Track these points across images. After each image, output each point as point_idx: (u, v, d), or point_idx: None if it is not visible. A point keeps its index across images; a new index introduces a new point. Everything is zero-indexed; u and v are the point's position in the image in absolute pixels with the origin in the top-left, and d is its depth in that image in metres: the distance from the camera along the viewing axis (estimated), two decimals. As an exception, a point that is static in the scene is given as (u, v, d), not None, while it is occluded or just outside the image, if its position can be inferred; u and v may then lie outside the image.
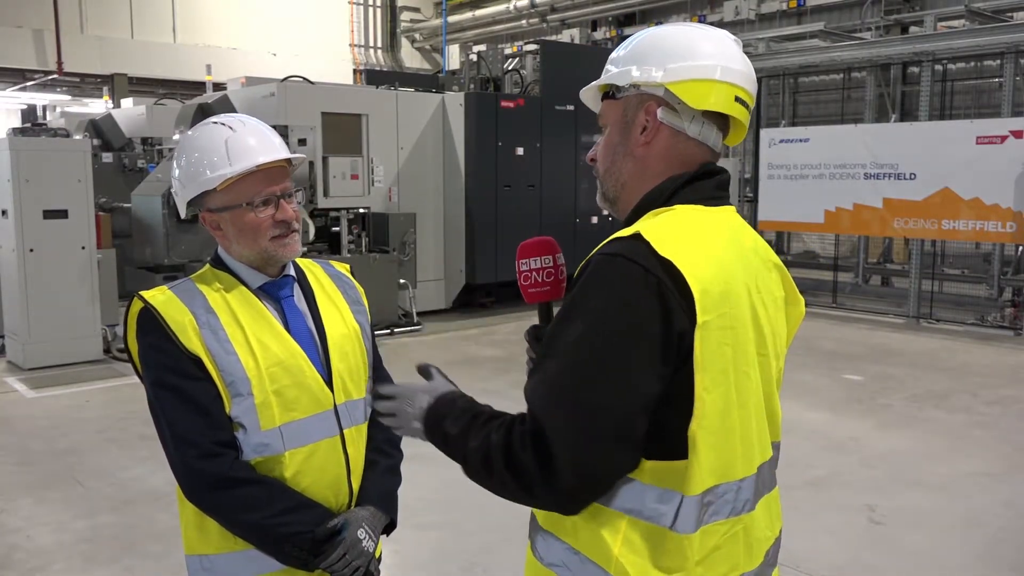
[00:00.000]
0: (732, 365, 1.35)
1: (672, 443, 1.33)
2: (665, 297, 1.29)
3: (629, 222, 1.44)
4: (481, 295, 10.76)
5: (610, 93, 1.50)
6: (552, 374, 1.33)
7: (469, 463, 1.40)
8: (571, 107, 10.59)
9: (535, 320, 1.66)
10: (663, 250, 1.30)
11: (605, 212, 1.58)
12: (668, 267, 1.29)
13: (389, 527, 1.91)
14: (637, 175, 1.48)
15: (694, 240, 1.36)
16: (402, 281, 9.49)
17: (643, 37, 1.49)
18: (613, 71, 1.49)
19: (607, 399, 1.29)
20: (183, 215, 1.87)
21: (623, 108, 1.48)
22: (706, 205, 1.44)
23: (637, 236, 1.33)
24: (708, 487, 1.35)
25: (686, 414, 1.32)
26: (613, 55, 1.52)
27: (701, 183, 1.45)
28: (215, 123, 1.83)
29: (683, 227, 1.37)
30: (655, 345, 1.29)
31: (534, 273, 1.60)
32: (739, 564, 1.42)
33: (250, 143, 1.78)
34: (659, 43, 1.45)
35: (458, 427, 1.43)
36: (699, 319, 1.30)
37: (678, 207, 1.42)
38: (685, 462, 1.33)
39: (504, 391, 6.71)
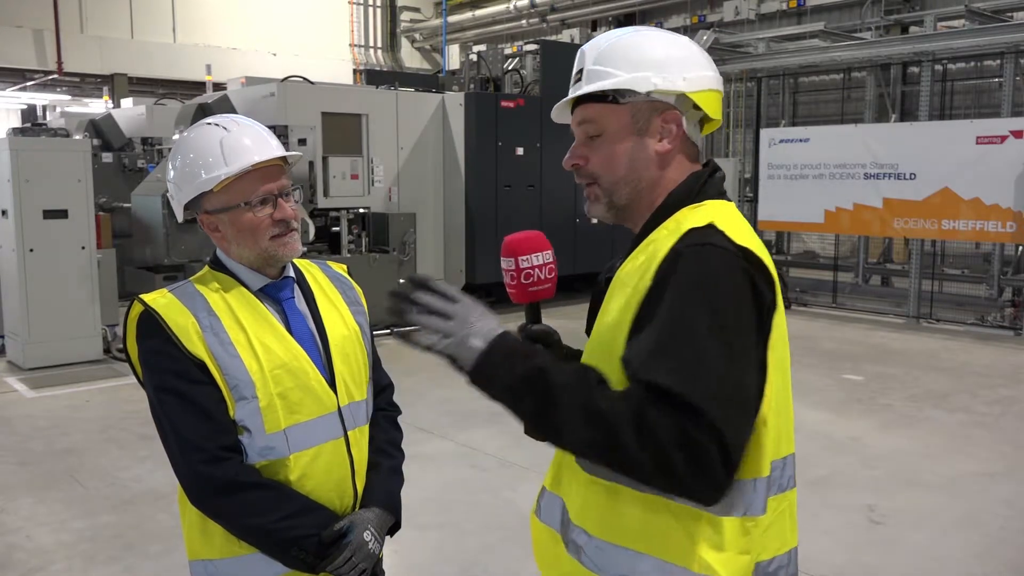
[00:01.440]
0: (781, 346, 1.41)
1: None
2: (756, 281, 1.33)
3: (657, 221, 1.44)
4: (481, 295, 10.76)
5: (609, 97, 1.44)
6: (692, 366, 1.26)
7: (587, 421, 1.25)
8: (571, 107, 10.59)
9: None
10: (737, 239, 1.34)
11: (608, 222, 1.52)
12: (748, 254, 1.33)
13: (394, 528, 1.91)
14: (655, 182, 1.47)
15: (745, 230, 1.40)
16: (402, 281, 9.46)
17: (638, 41, 1.45)
18: (621, 76, 1.42)
19: (748, 387, 1.30)
20: (180, 218, 1.85)
21: (631, 114, 1.44)
22: (723, 200, 1.49)
23: (712, 227, 1.35)
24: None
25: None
26: (600, 57, 1.45)
27: (715, 178, 1.50)
28: (209, 124, 1.81)
29: (731, 219, 1.41)
30: (756, 329, 1.33)
31: (536, 270, 1.51)
32: (787, 540, 1.45)
33: (245, 142, 1.76)
34: (668, 51, 1.44)
35: (564, 376, 1.28)
36: (777, 301, 1.36)
37: (708, 202, 1.45)
38: (759, 445, 1.37)
39: (504, 391, 6.69)
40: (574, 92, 1.48)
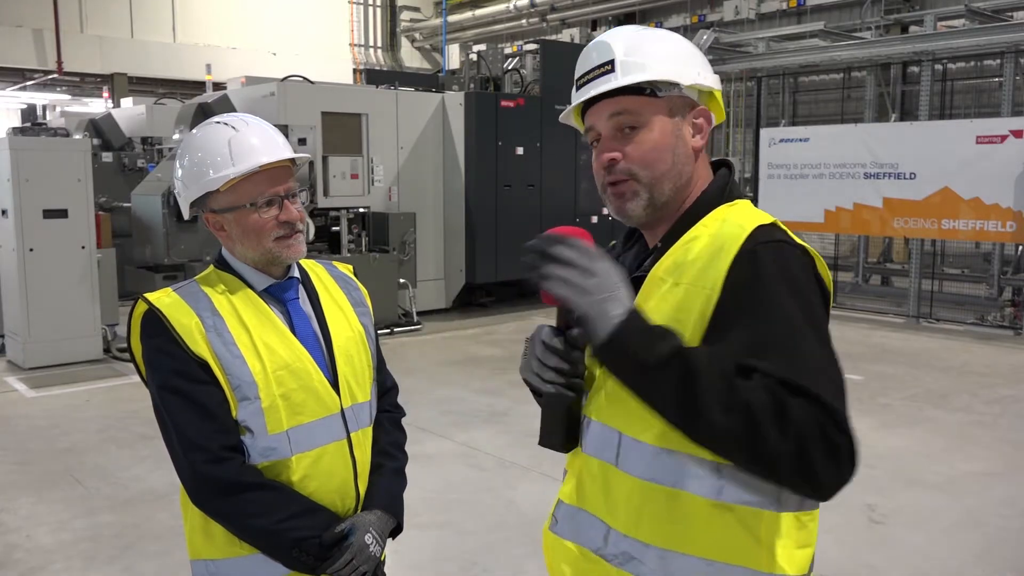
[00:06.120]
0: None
1: None
2: (820, 280, 1.35)
3: (692, 218, 1.40)
4: (481, 295, 10.77)
5: (647, 90, 1.39)
6: (811, 363, 1.24)
7: (728, 409, 1.19)
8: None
9: (536, 320, 1.59)
10: (796, 239, 1.36)
11: (638, 222, 1.45)
12: (805, 253, 1.34)
13: (396, 530, 1.90)
14: (690, 179, 1.43)
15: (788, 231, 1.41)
16: (402, 281, 9.50)
17: (661, 36, 1.44)
18: (659, 68, 1.38)
19: (844, 383, 1.30)
20: (186, 216, 1.86)
21: (668, 107, 1.40)
22: (746, 199, 1.48)
23: (776, 225, 1.36)
24: None
25: None
26: (631, 50, 1.39)
27: (734, 177, 1.50)
28: (218, 123, 1.81)
29: (775, 220, 1.42)
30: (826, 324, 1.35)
31: None
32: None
33: (253, 143, 1.76)
34: (688, 48, 1.44)
35: (703, 361, 1.21)
36: (831, 300, 1.38)
37: (739, 201, 1.44)
38: None
39: (504, 391, 6.70)
40: (608, 83, 1.38)
